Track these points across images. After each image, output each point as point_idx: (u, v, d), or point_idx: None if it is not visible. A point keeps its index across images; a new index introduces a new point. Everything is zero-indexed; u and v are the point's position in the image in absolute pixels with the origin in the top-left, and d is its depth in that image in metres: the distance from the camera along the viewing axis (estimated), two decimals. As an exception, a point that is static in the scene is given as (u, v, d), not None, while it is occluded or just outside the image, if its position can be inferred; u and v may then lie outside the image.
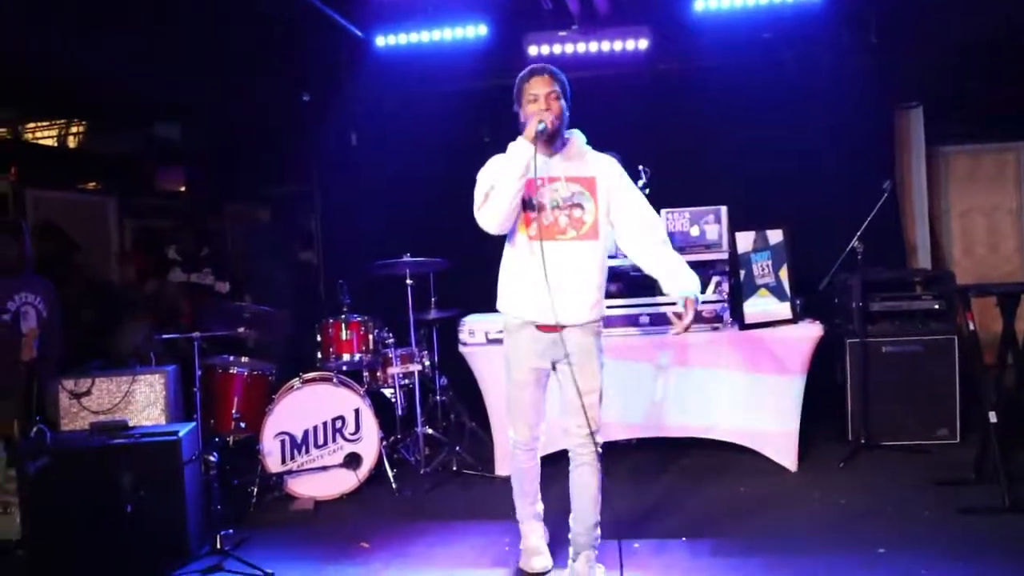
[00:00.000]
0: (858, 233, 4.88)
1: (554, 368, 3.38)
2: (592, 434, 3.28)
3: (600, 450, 3.30)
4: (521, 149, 3.10)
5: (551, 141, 3.21)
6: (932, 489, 4.32)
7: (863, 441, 4.99)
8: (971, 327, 4.45)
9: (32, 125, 8.15)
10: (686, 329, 3.33)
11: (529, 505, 3.63)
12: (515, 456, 3.58)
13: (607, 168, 3.32)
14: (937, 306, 5.20)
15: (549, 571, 3.54)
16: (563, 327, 3.23)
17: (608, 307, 4.67)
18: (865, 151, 6.19)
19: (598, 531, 3.36)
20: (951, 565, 3.38)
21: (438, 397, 5.39)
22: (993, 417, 4.15)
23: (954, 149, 7.91)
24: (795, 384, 4.66)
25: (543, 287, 3.12)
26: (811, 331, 4.65)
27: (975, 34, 5.73)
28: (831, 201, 5.91)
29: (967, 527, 3.81)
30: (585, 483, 3.33)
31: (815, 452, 4.98)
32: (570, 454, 3.40)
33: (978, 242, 8.04)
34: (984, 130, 7.73)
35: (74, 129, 8.28)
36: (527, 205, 3.22)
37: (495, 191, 3.17)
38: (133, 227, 7.93)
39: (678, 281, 3.33)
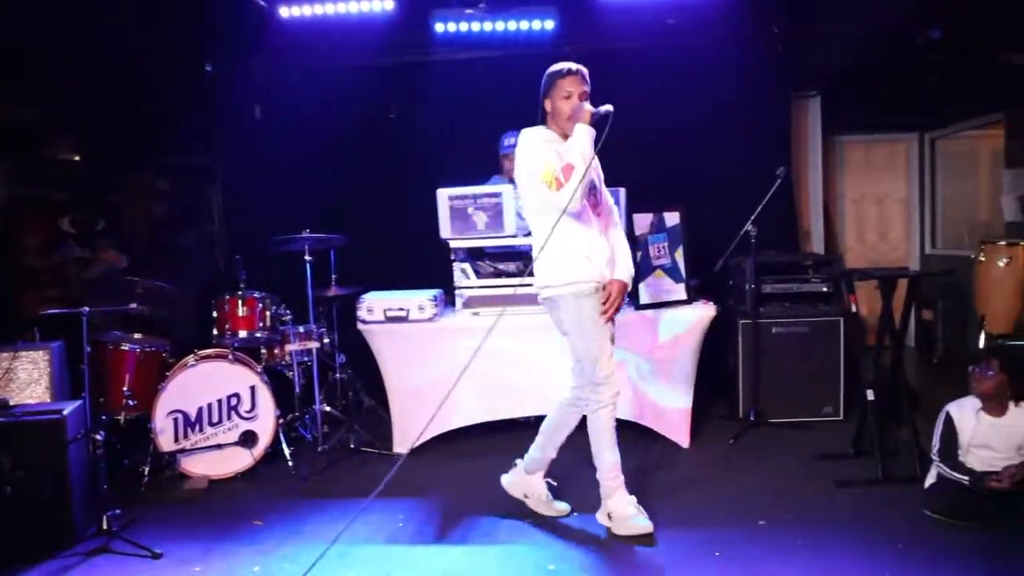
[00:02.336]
0: (752, 217, 5.02)
1: None
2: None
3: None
4: (591, 134, 3.50)
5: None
6: (814, 464, 4.52)
7: (753, 419, 5.18)
8: (854, 309, 4.67)
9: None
10: (609, 312, 3.63)
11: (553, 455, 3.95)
12: (599, 418, 3.70)
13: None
14: (825, 289, 5.42)
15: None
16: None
17: (507, 286, 4.74)
18: (763, 137, 6.36)
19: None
20: (826, 535, 3.55)
21: (337, 375, 5.35)
22: (871, 395, 4.36)
23: (849, 138, 8.23)
24: (688, 363, 4.80)
25: (607, 254, 3.64)
26: (705, 312, 4.79)
27: (873, 28, 5.93)
28: (728, 185, 6.05)
29: (844, 499, 4.01)
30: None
31: (707, 429, 5.14)
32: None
33: (869, 228, 8.41)
34: (878, 121, 8.07)
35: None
36: (593, 187, 3.64)
37: (577, 171, 3.42)
38: (23, 196, 7.57)
39: (619, 266, 3.69)
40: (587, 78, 3.65)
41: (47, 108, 7.68)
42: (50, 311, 4.54)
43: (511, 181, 5.39)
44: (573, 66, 3.65)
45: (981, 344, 5.96)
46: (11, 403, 3.99)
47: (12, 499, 3.62)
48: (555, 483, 4.04)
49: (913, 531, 3.58)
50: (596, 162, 3.63)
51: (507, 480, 3.97)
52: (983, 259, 6.02)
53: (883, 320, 4.51)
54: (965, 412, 3.81)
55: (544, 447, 3.87)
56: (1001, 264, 5.93)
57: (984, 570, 3.22)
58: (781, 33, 6.32)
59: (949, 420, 3.83)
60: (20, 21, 5.38)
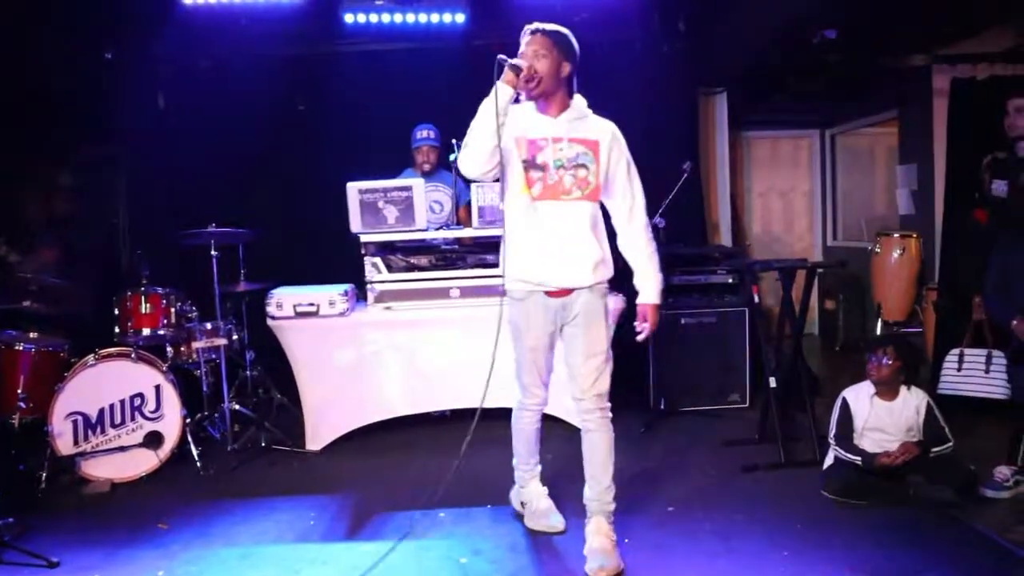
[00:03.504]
0: (660, 210, 5.13)
1: (561, 332, 3.38)
2: (599, 396, 3.32)
3: (609, 412, 3.37)
4: (498, 87, 3.08)
5: (538, 97, 3.20)
6: (721, 450, 4.65)
7: (663, 407, 5.30)
8: (756, 299, 4.81)
9: None
10: (645, 334, 3.39)
11: (535, 466, 3.70)
12: (521, 418, 3.60)
13: (609, 133, 3.32)
14: (731, 280, 5.57)
15: (565, 530, 3.56)
16: (571, 290, 3.27)
17: (417, 280, 4.73)
18: (671, 132, 6.50)
19: (609, 496, 3.34)
20: (731, 518, 3.66)
21: (247, 372, 5.25)
22: (772, 383, 4.52)
23: (755, 134, 8.49)
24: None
25: (550, 250, 3.21)
26: (615, 303, 4.85)
27: (774, 28, 6.10)
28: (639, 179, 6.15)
29: (748, 482, 4.14)
30: (594, 447, 3.35)
31: (618, 419, 5.04)
32: (579, 419, 3.41)
33: (775, 221, 8.69)
34: (783, 118, 8.34)
35: None
36: (530, 166, 3.20)
37: (472, 131, 3.15)
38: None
39: (644, 286, 3.38)
40: (548, 35, 3.21)
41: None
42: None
43: (423, 175, 5.39)
44: (529, 26, 3.29)
45: (878, 332, 6.25)
46: None
47: None
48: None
49: (812, 511, 3.72)
50: (565, 144, 3.21)
51: (512, 491, 3.86)
52: (879, 251, 6.30)
53: (783, 310, 4.67)
54: (860, 397, 3.98)
55: (519, 457, 3.73)
56: (895, 255, 6.22)
57: (870, 543, 3.37)
58: (687, 31, 6.46)
59: (845, 405, 4.00)
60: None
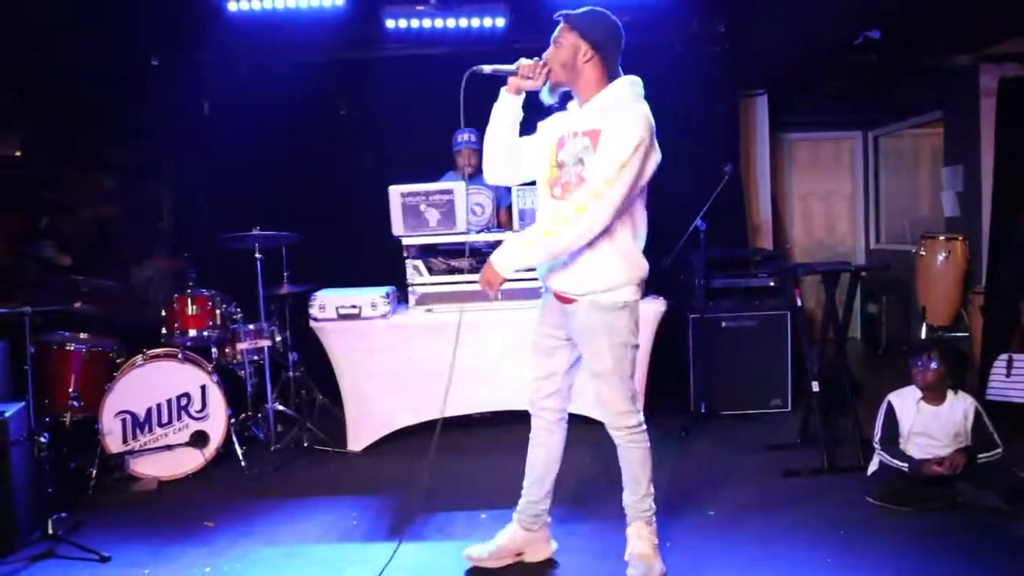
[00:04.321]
0: (701, 213, 5.11)
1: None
2: (617, 414, 3.11)
3: (638, 429, 3.13)
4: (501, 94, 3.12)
5: (558, 88, 3.06)
6: (762, 454, 4.62)
7: (703, 411, 5.27)
8: (799, 303, 4.77)
9: None
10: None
11: (524, 488, 3.38)
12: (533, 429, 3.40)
13: (614, 122, 2.90)
14: (772, 283, 5.53)
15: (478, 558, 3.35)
16: (569, 299, 3.07)
17: (460, 282, 4.75)
18: (711, 135, 6.46)
19: (647, 503, 3.20)
20: (772, 523, 3.64)
21: (290, 373, 5.31)
22: (815, 387, 4.47)
23: (796, 136, 8.41)
24: (639, 357, 4.84)
25: None
26: (655, 306, 4.85)
27: (816, 30, 6.05)
28: (677, 182, 6.05)
29: (790, 488, 4.10)
30: (623, 462, 3.20)
31: (659, 423, 5.14)
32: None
33: (817, 224, 8.60)
34: (824, 119, 8.25)
35: None
36: (559, 165, 3.04)
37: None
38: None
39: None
40: (569, 19, 3.03)
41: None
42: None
43: (464, 178, 5.42)
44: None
45: (922, 336, 6.15)
46: (-50, 406, 3.89)
47: (-49, 505, 3.54)
48: None
49: (854, 517, 3.68)
50: (578, 138, 3.00)
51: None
52: (923, 253, 6.20)
53: (827, 313, 4.62)
54: (906, 402, 3.93)
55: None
56: (940, 258, 6.12)
57: (919, 552, 3.32)
58: (727, 32, 6.43)
59: (890, 409, 3.95)
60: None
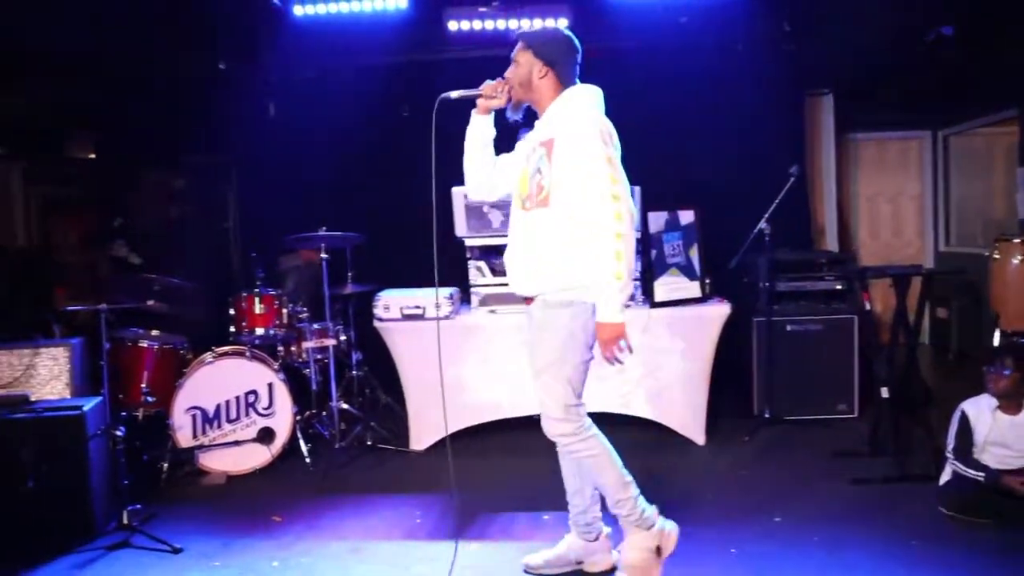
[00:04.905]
0: (766, 215, 5.03)
1: None
2: (548, 420, 3.05)
3: (570, 436, 3.04)
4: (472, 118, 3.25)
5: (520, 105, 3.18)
6: (829, 461, 4.53)
7: (767, 416, 5.19)
8: (867, 307, 4.67)
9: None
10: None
11: (568, 499, 3.35)
12: None
13: (566, 129, 2.97)
14: (839, 286, 5.42)
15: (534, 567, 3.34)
16: (529, 299, 3.15)
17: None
18: (776, 135, 6.37)
19: (628, 507, 3.11)
20: (842, 532, 3.56)
21: (353, 372, 5.38)
22: (885, 393, 4.37)
23: (863, 136, 8.22)
24: (703, 361, 4.81)
25: (511, 257, 3.19)
26: (719, 309, 4.80)
27: (885, 27, 5.92)
28: (742, 183, 6.07)
29: (859, 496, 4.01)
30: (585, 470, 3.18)
31: (722, 426, 5.15)
32: None
33: (883, 226, 8.40)
34: (892, 119, 8.06)
35: (-24, 91, 7.89)
36: (528, 177, 3.10)
37: None
38: (39, 194, 7.62)
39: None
40: (523, 38, 3.17)
41: (62, 107, 7.73)
42: (69, 307, 4.60)
43: None
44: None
45: (996, 342, 5.96)
46: (32, 399, 4.04)
47: (34, 493, 3.66)
48: None
49: (928, 528, 3.59)
50: (536, 148, 3.09)
51: None
52: (997, 257, 6.01)
53: (897, 318, 4.51)
54: (981, 410, 3.81)
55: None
56: (1015, 261, 5.93)
57: (997, 567, 3.22)
58: (793, 31, 6.32)
59: (964, 418, 3.84)
60: (36, 22, 5.42)
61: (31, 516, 3.66)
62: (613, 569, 3.32)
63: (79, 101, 7.56)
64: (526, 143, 3.20)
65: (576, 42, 3.15)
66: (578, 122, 2.98)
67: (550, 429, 3.07)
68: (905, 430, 4.57)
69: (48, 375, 4.37)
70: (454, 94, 3.19)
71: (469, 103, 3.24)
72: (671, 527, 3.20)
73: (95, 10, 5.59)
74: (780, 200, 5.03)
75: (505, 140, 3.34)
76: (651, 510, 3.19)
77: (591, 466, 3.11)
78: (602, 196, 2.87)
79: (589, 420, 3.12)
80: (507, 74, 3.17)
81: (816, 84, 6.96)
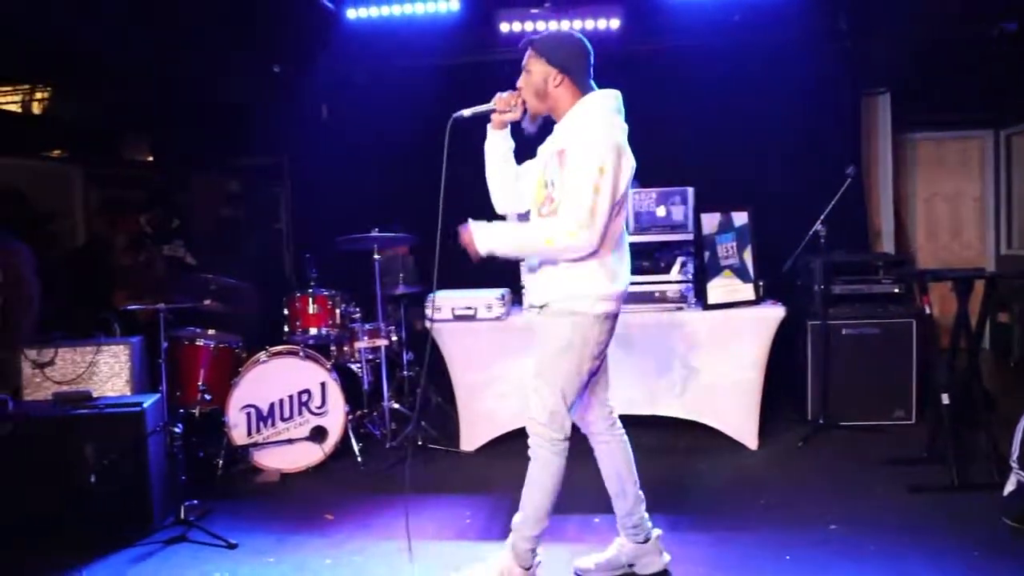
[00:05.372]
0: (821, 217, 4.95)
1: None
2: (530, 420, 3.09)
3: (541, 441, 3.07)
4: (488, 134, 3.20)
5: (538, 116, 3.11)
6: (886, 468, 4.43)
7: (822, 421, 5.10)
8: (928, 311, 4.56)
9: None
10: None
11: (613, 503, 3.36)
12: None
13: (574, 142, 2.94)
14: (896, 290, 5.31)
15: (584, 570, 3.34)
16: (535, 308, 3.17)
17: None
18: (832, 135, 6.27)
19: (524, 531, 3.13)
20: (899, 541, 3.48)
21: (405, 372, 5.42)
22: (946, 399, 4.26)
23: (920, 136, 8.03)
24: (757, 364, 4.74)
25: (529, 266, 3.20)
26: (773, 312, 4.74)
27: (945, 23, 5.80)
28: (796, 184, 5.98)
29: (917, 505, 3.92)
30: (528, 478, 3.15)
31: (775, 431, 5.08)
32: None
33: (941, 228, 8.20)
34: (951, 118, 7.86)
35: (39, 95, 8.13)
36: (544, 184, 3.09)
37: None
38: (99, 196, 7.81)
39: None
40: (533, 44, 3.07)
41: (120, 111, 7.93)
42: (129, 307, 4.71)
43: None
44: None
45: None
46: (94, 395, 4.14)
47: (95, 488, 3.75)
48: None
49: (991, 540, 3.48)
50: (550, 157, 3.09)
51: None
52: (1063, 260, 5.83)
53: (958, 322, 4.39)
54: (1047, 418, 3.70)
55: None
56: (1083, 265, 5.75)
57: (1068, 582, 3.13)
58: (849, 29, 6.22)
59: (1030, 426, 3.73)
60: (93, 28, 5.56)
61: (93, 510, 3.76)
62: (665, 572, 3.30)
63: (137, 105, 7.75)
64: (544, 150, 3.15)
65: (588, 44, 3.06)
66: (588, 132, 2.93)
67: (530, 428, 3.12)
68: (965, 438, 4.45)
69: (109, 372, 4.47)
70: (467, 112, 3.12)
71: (485, 119, 3.18)
72: None
73: (151, 15, 5.71)
74: (836, 201, 4.94)
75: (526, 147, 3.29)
76: (535, 562, 3.17)
77: (534, 474, 3.11)
78: (579, 205, 2.85)
79: (566, 444, 3.10)
80: (519, 83, 3.09)
81: (873, 83, 6.82)
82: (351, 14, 6.12)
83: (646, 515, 3.31)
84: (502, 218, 3.34)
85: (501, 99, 3.10)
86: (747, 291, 4.85)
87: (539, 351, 3.10)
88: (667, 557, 3.34)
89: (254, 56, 6.71)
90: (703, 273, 4.73)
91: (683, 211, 4.78)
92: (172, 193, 7.14)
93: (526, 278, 3.23)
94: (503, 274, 5.05)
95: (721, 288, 4.78)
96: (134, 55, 6.28)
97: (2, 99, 8.05)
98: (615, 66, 6.38)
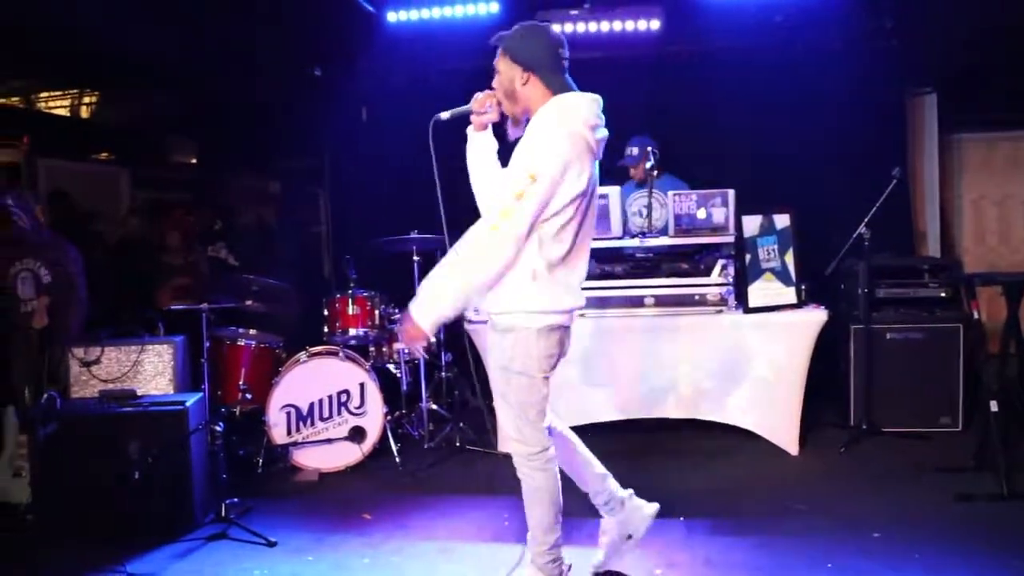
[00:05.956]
0: (866, 219, 4.87)
1: None
2: (511, 440, 3.02)
3: (523, 456, 2.99)
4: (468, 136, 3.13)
5: (517, 119, 2.95)
6: (931, 476, 4.34)
7: (865, 427, 5.01)
8: (976, 316, 4.46)
9: (44, 95, 8.18)
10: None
11: (591, 496, 3.35)
12: None
13: (520, 150, 2.81)
14: (943, 294, 5.20)
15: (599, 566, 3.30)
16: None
17: (611, 288, 4.72)
18: (876, 136, 6.16)
19: (540, 550, 3.06)
20: (944, 550, 3.41)
21: (443, 373, 5.44)
22: (994, 406, 4.16)
23: (968, 136, 7.85)
24: (798, 368, 4.68)
25: None
26: (816, 316, 4.67)
27: (992, 20, 5.67)
28: (840, 186, 5.89)
29: (963, 514, 3.83)
30: (524, 494, 3.08)
31: (816, 437, 5.01)
32: None
33: (989, 231, 8.00)
34: (999, 118, 7.68)
35: (86, 99, 8.31)
36: None
37: None
38: (144, 198, 7.96)
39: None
40: (500, 43, 2.96)
41: (164, 114, 8.08)
42: (173, 307, 4.79)
43: (639, 186, 5.41)
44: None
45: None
46: (138, 393, 4.21)
47: (139, 484, 3.80)
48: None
49: (1042, 550, 3.40)
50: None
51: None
52: (1117, 264, 5.67)
53: (1008, 327, 4.29)
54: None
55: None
56: None
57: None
58: (894, 28, 6.10)
59: (1083, 435, 3.63)
60: (136, 33, 5.65)
61: (136, 506, 3.81)
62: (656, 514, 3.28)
63: (181, 109, 7.89)
64: None
65: (559, 37, 2.88)
66: (536, 136, 2.78)
67: (507, 445, 3.07)
68: (1014, 445, 4.34)
69: (153, 371, 4.55)
70: (445, 114, 3.04)
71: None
72: None
73: (193, 20, 5.80)
74: (880, 204, 4.86)
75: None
76: (564, 568, 3.10)
77: (528, 493, 3.03)
78: (498, 205, 2.76)
79: (551, 452, 3.01)
80: (494, 84, 2.97)
81: (919, 83, 6.68)
82: (391, 17, 6.16)
83: (612, 486, 3.24)
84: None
85: (477, 100, 3.01)
86: (789, 294, 4.79)
87: (491, 367, 3.03)
88: (653, 507, 3.27)
89: (295, 59, 6.77)
90: (744, 276, 4.68)
91: (724, 213, 4.72)
92: (214, 195, 7.25)
93: None
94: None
95: (762, 291, 4.72)
96: (178, 59, 6.38)
97: (52, 104, 8.26)
98: (655, 67, 6.41)
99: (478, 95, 3.01)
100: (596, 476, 3.24)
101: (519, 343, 2.88)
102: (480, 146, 3.09)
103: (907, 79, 6.53)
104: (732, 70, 6.03)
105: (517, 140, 2.88)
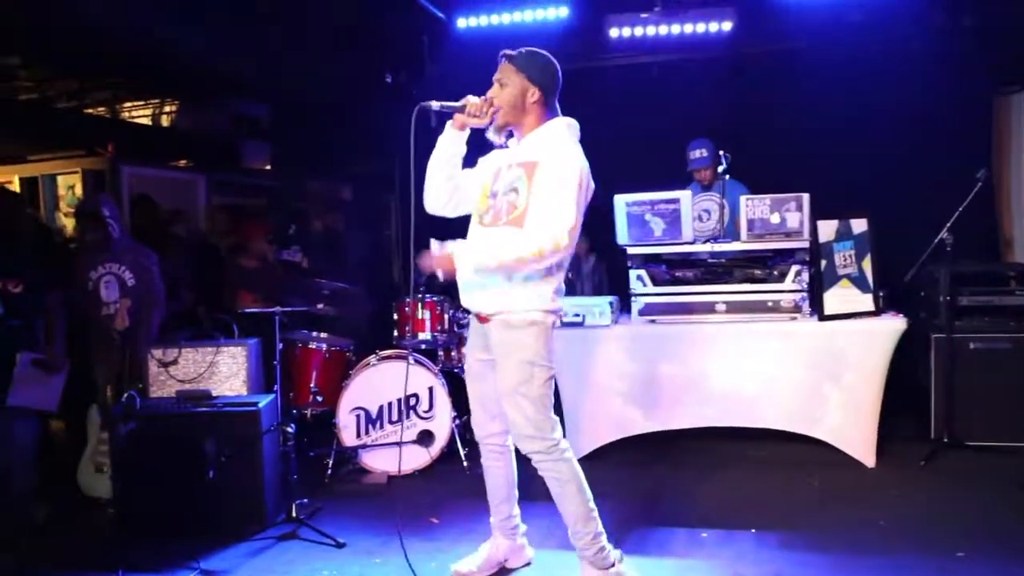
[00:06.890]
0: (948, 224, 4.69)
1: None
2: (524, 439, 3.11)
3: (543, 452, 3.10)
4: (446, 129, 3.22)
5: (505, 127, 3.15)
6: (1018, 493, 4.16)
7: (946, 440, 4.82)
8: (1067, 325, 4.26)
9: (128, 104, 8.48)
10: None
11: (507, 517, 3.49)
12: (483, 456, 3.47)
13: (553, 158, 3.00)
14: (1032, 302, 4.98)
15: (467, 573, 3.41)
16: (486, 317, 3.15)
17: (684, 293, 4.66)
18: (959, 138, 5.93)
19: (586, 540, 3.14)
20: (1034, 572, 3.26)
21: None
22: (1087, 420, 3.97)
23: (1058, 137, 7.52)
24: (875, 378, 4.54)
25: (467, 273, 3.12)
26: (894, 324, 4.52)
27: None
28: (920, 190, 5.70)
29: (1054, 534, 3.66)
30: (552, 493, 3.18)
31: (894, 449, 4.84)
32: None
33: (1079, 236, 7.64)
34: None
35: (167, 108, 8.58)
36: (492, 195, 3.16)
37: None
38: (220, 204, 8.17)
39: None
40: (512, 59, 3.15)
41: (241, 121, 8.28)
42: (247, 310, 4.89)
43: (705, 189, 5.35)
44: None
45: None
46: (213, 394, 4.31)
47: (214, 483, 3.90)
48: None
49: None
50: (512, 168, 3.12)
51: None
52: None
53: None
54: None
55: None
56: None
57: None
58: (976, 25, 5.88)
59: None
60: (215, 44, 5.81)
61: (210, 504, 3.91)
62: (528, 563, 3.50)
63: (256, 116, 8.08)
64: (495, 161, 3.20)
65: (559, 70, 3.17)
66: (565, 153, 3.03)
67: (525, 447, 3.14)
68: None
69: (227, 372, 4.65)
70: (435, 104, 3.11)
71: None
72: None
73: (268, 30, 5.93)
74: (964, 208, 4.68)
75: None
76: (613, 552, 3.19)
77: (558, 491, 3.14)
78: (566, 217, 2.93)
79: (565, 442, 3.15)
80: (491, 94, 3.12)
81: (1006, 81, 6.41)
82: (461, 23, 6.21)
83: (518, 512, 3.50)
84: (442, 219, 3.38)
85: (471, 102, 3.11)
86: (866, 301, 4.64)
87: (507, 368, 3.10)
88: (531, 552, 3.55)
89: (367, 66, 6.87)
90: (819, 282, 4.56)
91: (798, 218, 4.59)
92: (288, 199, 7.39)
93: (465, 283, 3.16)
94: (614, 282, 5.01)
95: (838, 298, 4.59)
96: (252, 68, 6.55)
97: (135, 113, 8.55)
98: (728, 69, 6.30)
99: (472, 99, 3.12)
100: (513, 499, 3.47)
101: (541, 335, 3.08)
102: (454, 142, 3.23)
103: (992, 77, 6.29)
104: (807, 71, 5.89)
105: (493, 146, 3.21)
